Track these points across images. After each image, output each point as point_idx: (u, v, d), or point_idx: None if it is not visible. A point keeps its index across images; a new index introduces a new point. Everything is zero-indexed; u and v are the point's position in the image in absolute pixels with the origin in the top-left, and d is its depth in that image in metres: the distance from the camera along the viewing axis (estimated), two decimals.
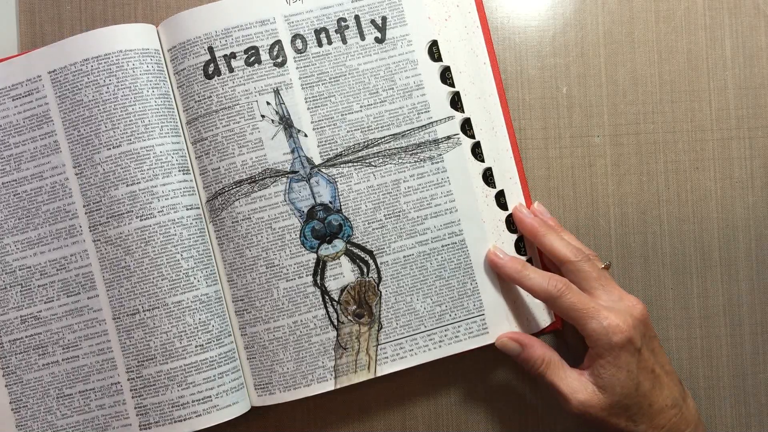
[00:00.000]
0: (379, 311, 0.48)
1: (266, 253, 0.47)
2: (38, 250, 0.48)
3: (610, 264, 0.49)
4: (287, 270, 0.47)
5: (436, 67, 0.48)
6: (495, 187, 0.49)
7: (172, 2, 0.51)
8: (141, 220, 0.46)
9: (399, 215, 0.48)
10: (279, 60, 0.47)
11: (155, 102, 0.47)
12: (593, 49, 0.51)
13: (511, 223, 0.49)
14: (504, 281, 0.48)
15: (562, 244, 0.46)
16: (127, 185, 0.46)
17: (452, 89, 0.48)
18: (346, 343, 0.47)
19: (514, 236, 0.49)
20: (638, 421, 0.44)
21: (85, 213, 0.47)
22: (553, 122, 0.51)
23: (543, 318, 0.49)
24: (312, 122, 0.47)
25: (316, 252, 0.47)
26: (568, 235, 0.48)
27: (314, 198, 0.47)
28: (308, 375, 0.47)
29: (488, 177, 0.49)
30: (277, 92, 0.47)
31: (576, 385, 0.44)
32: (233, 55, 0.47)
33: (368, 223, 0.48)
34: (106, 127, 0.47)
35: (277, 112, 0.47)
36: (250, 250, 0.47)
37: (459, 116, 0.48)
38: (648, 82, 0.51)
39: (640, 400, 0.44)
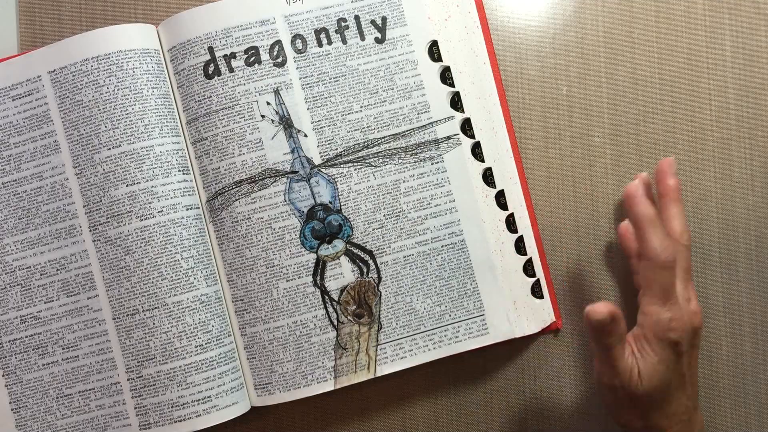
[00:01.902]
0: (379, 311, 0.48)
1: (266, 253, 0.47)
2: (38, 250, 0.48)
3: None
4: (287, 270, 0.47)
5: (436, 67, 0.48)
6: (495, 187, 0.49)
7: (172, 2, 0.51)
8: (141, 220, 0.46)
9: (399, 215, 0.48)
10: (279, 60, 0.47)
11: (155, 102, 0.47)
12: (593, 49, 0.51)
13: (511, 223, 0.49)
14: (504, 281, 0.48)
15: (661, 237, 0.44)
16: (127, 185, 0.46)
17: (452, 89, 0.48)
18: (346, 343, 0.47)
19: (514, 236, 0.49)
20: (648, 418, 0.44)
21: (85, 213, 0.47)
22: (553, 122, 0.51)
23: (543, 318, 0.49)
24: (312, 122, 0.47)
25: (316, 252, 0.47)
26: (679, 208, 0.47)
27: (314, 198, 0.47)
28: (308, 375, 0.47)
29: (488, 177, 0.49)
30: (277, 92, 0.47)
31: (624, 365, 0.44)
32: (233, 55, 0.47)
33: (368, 223, 0.48)
34: (106, 127, 0.47)
35: (277, 112, 0.47)
36: (250, 250, 0.47)
37: (459, 116, 0.48)
38: (648, 82, 0.51)
39: (663, 398, 0.44)
